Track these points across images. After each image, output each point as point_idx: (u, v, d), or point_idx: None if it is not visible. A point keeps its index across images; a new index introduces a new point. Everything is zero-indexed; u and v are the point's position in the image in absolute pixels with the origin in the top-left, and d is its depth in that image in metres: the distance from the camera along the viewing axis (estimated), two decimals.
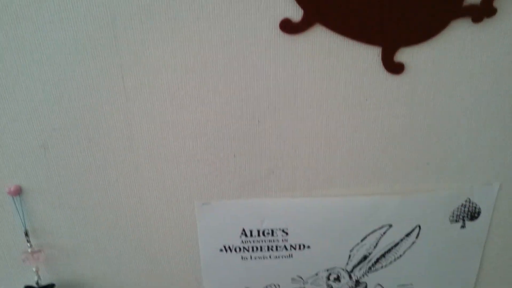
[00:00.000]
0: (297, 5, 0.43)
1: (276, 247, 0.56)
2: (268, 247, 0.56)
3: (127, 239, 0.55)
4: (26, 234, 0.53)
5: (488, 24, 0.45)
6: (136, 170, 0.51)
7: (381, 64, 0.47)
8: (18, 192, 0.51)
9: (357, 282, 0.60)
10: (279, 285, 0.59)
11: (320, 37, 0.45)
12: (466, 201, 0.55)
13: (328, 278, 0.59)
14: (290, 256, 0.57)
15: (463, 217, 0.56)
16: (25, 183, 0.50)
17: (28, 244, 0.53)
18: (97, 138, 0.49)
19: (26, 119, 0.47)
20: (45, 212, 0.52)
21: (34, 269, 0.54)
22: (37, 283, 0.55)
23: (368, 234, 0.56)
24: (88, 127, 0.48)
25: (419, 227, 0.56)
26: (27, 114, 0.47)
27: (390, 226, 0.56)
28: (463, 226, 0.57)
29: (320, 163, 0.52)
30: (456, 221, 0.56)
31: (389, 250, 0.57)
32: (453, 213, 0.56)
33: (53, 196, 0.51)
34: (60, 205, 0.52)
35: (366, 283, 0.60)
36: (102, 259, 0.56)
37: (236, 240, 0.55)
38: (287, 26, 0.44)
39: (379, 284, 0.60)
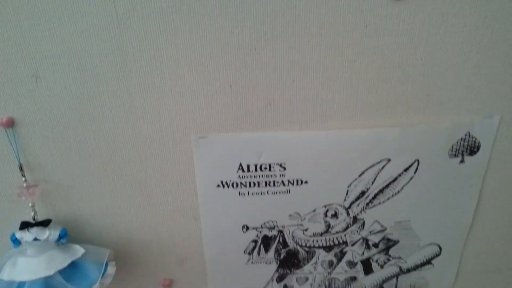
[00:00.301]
0: None
1: (274, 182, 0.56)
2: (265, 183, 0.56)
3: (123, 173, 0.54)
4: (21, 168, 0.52)
5: None
6: (130, 101, 0.50)
7: None
8: (10, 124, 0.50)
9: (355, 219, 0.60)
10: (276, 222, 0.59)
11: None
12: (466, 134, 0.55)
13: (326, 215, 0.59)
14: (288, 192, 0.56)
15: (463, 151, 0.56)
16: (18, 114, 0.49)
17: (23, 179, 0.52)
18: (89, 67, 0.47)
19: (16, 45, 0.45)
20: (39, 145, 0.51)
21: (30, 205, 0.54)
22: (33, 218, 0.54)
23: (366, 169, 0.56)
24: (80, 55, 0.47)
25: (418, 161, 0.55)
26: (16, 40, 0.45)
27: (389, 160, 0.55)
28: (462, 161, 0.56)
29: (318, 95, 0.51)
30: (455, 155, 0.56)
31: (387, 186, 0.57)
32: (452, 147, 0.55)
33: (47, 128, 0.50)
34: (54, 138, 0.51)
35: (364, 220, 0.60)
36: (98, 195, 0.55)
37: (233, 176, 0.55)
38: None
39: (377, 221, 0.60)
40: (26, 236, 0.53)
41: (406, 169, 0.56)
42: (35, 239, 0.53)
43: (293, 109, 0.52)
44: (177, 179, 0.55)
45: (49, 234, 0.53)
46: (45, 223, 0.54)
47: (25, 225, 0.53)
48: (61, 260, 0.54)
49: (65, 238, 0.55)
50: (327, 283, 0.65)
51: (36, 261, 0.53)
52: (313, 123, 0.53)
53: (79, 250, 0.55)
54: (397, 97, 0.52)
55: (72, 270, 0.55)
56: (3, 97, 0.48)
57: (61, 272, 0.54)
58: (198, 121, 0.52)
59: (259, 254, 0.62)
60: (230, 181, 0.55)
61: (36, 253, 0.53)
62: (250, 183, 0.55)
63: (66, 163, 0.53)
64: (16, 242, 0.53)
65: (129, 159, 0.53)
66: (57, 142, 0.51)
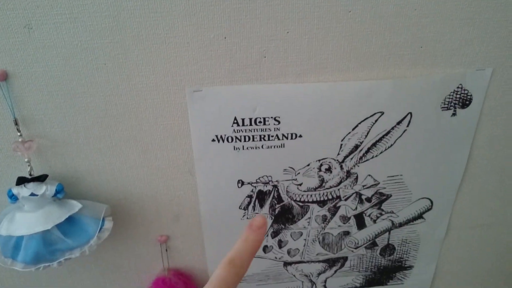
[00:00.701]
0: None
1: (268, 136, 0.56)
2: (260, 137, 0.56)
3: (118, 128, 0.54)
4: (16, 123, 0.52)
5: None
6: (124, 54, 0.49)
7: None
8: (4, 77, 0.49)
9: (348, 173, 0.60)
10: (271, 177, 0.60)
11: None
12: (458, 87, 0.55)
13: (320, 169, 0.60)
14: (282, 146, 0.57)
15: (455, 104, 0.56)
16: (11, 67, 0.49)
17: (19, 133, 0.52)
18: (82, 17, 0.47)
19: None
20: (33, 99, 0.51)
21: (26, 160, 0.54)
22: (30, 174, 0.54)
23: (360, 122, 0.56)
24: (72, 4, 0.46)
25: (411, 114, 0.56)
26: None
27: (382, 113, 0.56)
28: (454, 114, 0.57)
29: (313, 47, 0.51)
30: (448, 108, 0.57)
31: (380, 139, 0.58)
32: (445, 100, 0.56)
33: (41, 81, 0.50)
34: (48, 92, 0.51)
35: (357, 174, 0.61)
36: (93, 150, 0.56)
37: (228, 130, 0.55)
38: None
39: (370, 175, 0.61)
40: (23, 191, 0.53)
41: (399, 122, 0.57)
42: (32, 194, 0.53)
43: (287, 61, 0.52)
44: (172, 133, 0.56)
45: (46, 189, 0.54)
46: (41, 178, 0.54)
47: (21, 181, 0.53)
48: (59, 214, 0.54)
49: (62, 193, 0.55)
50: (321, 238, 0.66)
51: (33, 216, 0.54)
52: (308, 75, 0.53)
53: (76, 205, 0.55)
54: (391, 48, 0.52)
55: (69, 224, 0.55)
56: None
57: (59, 226, 0.54)
58: (193, 74, 0.52)
59: (254, 209, 0.62)
60: (225, 136, 0.56)
61: (33, 208, 0.54)
62: (245, 137, 0.56)
63: (61, 117, 0.53)
64: (13, 197, 0.54)
65: (124, 113, 0.53)
66: (52, 96, 0.51)
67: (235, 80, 0.52)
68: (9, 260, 0.55)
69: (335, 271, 0.71)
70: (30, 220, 0.54)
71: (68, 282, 0.66)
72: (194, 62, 0.51)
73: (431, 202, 0.65)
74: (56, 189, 0.54)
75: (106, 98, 0.52)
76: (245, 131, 0.55)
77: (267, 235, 0.66)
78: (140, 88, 0.52)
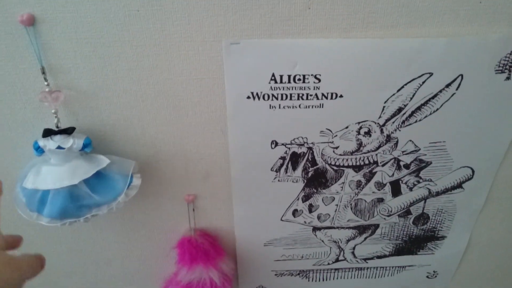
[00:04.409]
0: None
1: (307, 95, 0.53)
2: (298, 95, 0.53)
3: (149, 82, 0.51)
4: (43, 71, 0.49)
5: None
6: (158, 0, 0.46)
7: None
8: (31, 21, 0.46)
9: (388, 137, 0.57)
10: (306, 138, 0.57)
11: None
12: None
13: (359, 132, 0.56)
14: (321, 106, 0.54)
15: (510, 67, 0.52)
16: (38, 11, 0.46)
17: (46, 83, 0.50)
18: None
19: None
20: (61, 47, 0.48)
21: (53, 111, 0.52)
22: (56, 126, 0.52)
23: (406, 83, 0.53)
24: None
25: (462, 76, 0.52)
26: None
27: (431, 74, 0.52)
28: (508, 78, 0.53)
29: None
30: (502, 71, 0.52)
31: (426, 102, 0.54)
32: (500, 62, 0.52)
33: (70, 28, 0.47)
34: (77, 39, 0.48)
35: (398, 139, 0.57)
36: (122, 104, 0.53)
37: (264, 86, 0.52)
38: None
39: (411, 140, 0.58)
40: (50, 144, 0.51)
41: (448, 85, 0.53)
42: (59, 147, 0.51)
43: (333, 14, 0.48)
44: (206, 89, 0.53)
45: (73, 142, 0.52)
46: (68, 131, 0.52)
47: (48, 133, 0.51)
48: (86, 169, 0.52)
49: (90, 147, 0.53)
50: (353, 204, 0.64)
51: (60, 170, 0.52)
52: (354, 30, 0.49)
53: (104, 160, 0.53)
54: (446, 3, 0.48)
55: (97, 180, 0.54)
56: None
57: (86, 182, 0.53)
58: (231, 25, 0.48)
59: (286, 172, 0.60)
60: (261, 93, 0.52)
61: (60, 162, 0.52)
62: (282, 96, 0.53)
63: (90, 67, 0.50)
64: (39, 150, 0.52)
65: (157, 65, 0.50)
66: (81, 44, 0.48)
67: (275, 33, 0.49)
68: (35, 214, 0.54)
69: (365, 238, 0.69)
70: (57, 174, 0.52)
71: (93, 239, 0.65)
72: (232, 12, 0.47)
73: (473, 171, 0.62)
74: (83, 143, 0.52)
75: (138, 49, 0.49)
76: (283, 89, 0.52)
77: (298, 199, 0.63)
78: (174, 38, 0.49)
